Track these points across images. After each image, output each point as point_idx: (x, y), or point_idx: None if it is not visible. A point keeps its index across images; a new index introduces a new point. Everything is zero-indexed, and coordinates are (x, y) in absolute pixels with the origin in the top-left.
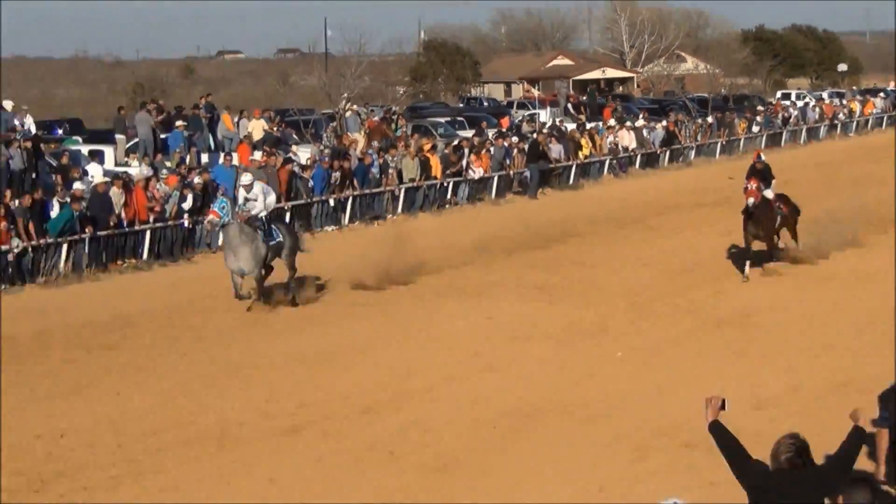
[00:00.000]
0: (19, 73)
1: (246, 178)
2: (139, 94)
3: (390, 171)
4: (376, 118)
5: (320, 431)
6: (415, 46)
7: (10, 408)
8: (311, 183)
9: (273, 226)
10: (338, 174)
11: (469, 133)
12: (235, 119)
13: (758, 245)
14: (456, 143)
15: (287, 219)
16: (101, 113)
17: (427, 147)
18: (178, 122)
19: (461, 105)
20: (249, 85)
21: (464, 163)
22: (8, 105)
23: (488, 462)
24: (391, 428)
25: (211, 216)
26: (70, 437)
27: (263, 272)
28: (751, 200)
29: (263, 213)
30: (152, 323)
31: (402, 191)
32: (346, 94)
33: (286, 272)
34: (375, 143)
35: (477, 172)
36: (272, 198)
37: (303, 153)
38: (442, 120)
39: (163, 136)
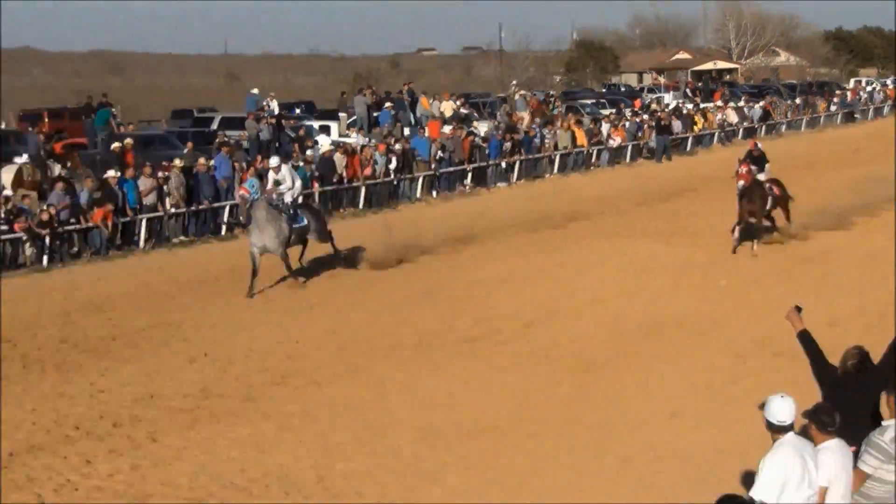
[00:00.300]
0: (266, 66)
1: (274, 161)
2: (358, 82)
3: (548, 140)
4: (538, 100)
5: (493, 341)
6: (568, 44)
7: (258, 321)
8: (487, 150)
9: (299, 211)
10: (508, 143)
11: (609, 111)
12: (431, 101)
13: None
14: (599, 119)
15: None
16: (329, 97)
17: (573, 122)
18: (387, 104)
19: (603, 90)
20: (441, 74)
21: (604, 134)
22: (256, 91)
23: (622, 364)
24: (548, 338)
25: (241, 192)
26: (303, 343)
27: (286, 250)
28: (740, 183)
29: (290, 197)
30: (357, 258)
31: (557, 156)
32: (515, 82)
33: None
34: (537, 120)
35: (615, 142)
36: (299, 182)
37: (482, 127)
38: (588, 101)
39: (375, 114)
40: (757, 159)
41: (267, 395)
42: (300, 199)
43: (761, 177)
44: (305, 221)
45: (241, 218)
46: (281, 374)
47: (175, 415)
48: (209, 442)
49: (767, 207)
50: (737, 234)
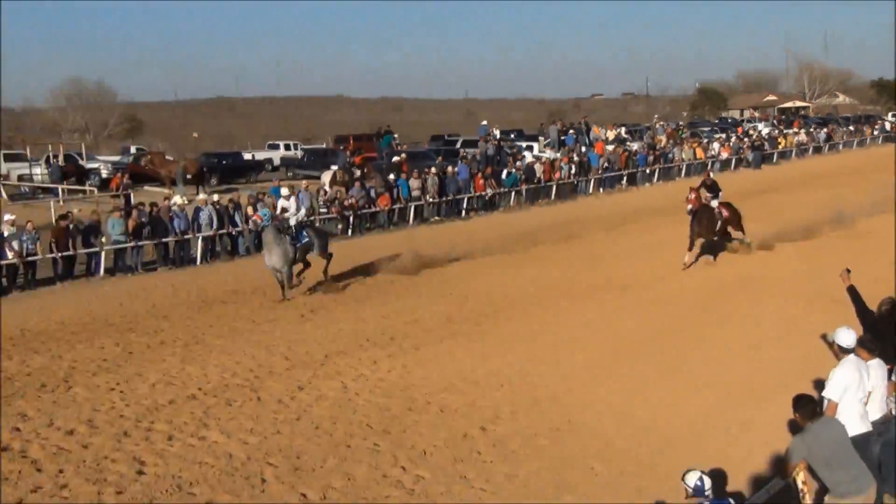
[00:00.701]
0: (492, 106)
1: (285, 191)
2: (551, 116)
3: (677, 155)
4: (672, 128)
5: (636, 288)
6: (692, 91)
7: (485, 272)
8: (637, 161)
9: (303, 231)
10: (651, 157)
11: (720, 136)
12: (599, 129)
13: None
14: (712, 140)
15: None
16: (533, 126)
17: (695, 143)
18: (571, 130)
19: (716, 121)
20: (606, 111)
21: (716, 150)
22: (485, 122)
23: (711, 309)
24: (674, 287)
25: (254, 218)
26: (515, 286)
27: (292, 269)
28: (689, 207)
29: (294, 221)
30: (549, 233)
31: (684, 165)
32: (656, 116)
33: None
34: (671, 141)
35: (724, 156)
36: (303, 212)
37: (634, 146)
38: (706, 129)
39: (562, 137)
40: (711, 187)
41: (490, 322)
42: (305, 222)
43: (714, 202)
44: (308, 239)
45: (251, 229)
46: (499, 308)
47: (430, 333)
48: (451, 352)
49: (717, 228)
50: (688, 256)
